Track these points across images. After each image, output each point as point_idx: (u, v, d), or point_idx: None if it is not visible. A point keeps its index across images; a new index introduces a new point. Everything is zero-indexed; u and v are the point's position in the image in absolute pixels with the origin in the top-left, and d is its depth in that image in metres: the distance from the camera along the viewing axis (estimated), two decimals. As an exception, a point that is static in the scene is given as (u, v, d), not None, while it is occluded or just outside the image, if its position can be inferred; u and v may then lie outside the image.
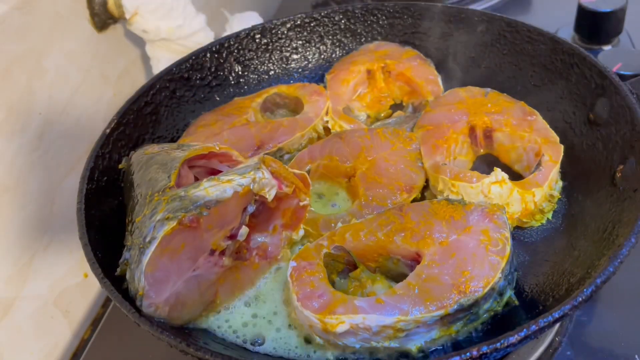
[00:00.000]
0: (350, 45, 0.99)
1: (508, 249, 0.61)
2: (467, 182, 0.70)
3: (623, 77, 0.91)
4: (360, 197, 0.73)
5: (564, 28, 1.14)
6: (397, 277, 0.64)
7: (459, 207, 0.66)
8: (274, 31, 0.96)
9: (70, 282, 0.91)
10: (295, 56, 0.98)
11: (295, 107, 0.90)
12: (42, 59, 0.84)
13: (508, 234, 0.62)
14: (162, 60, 0.93)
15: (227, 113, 0.85)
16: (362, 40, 0.98)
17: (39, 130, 0.83)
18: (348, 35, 0.98)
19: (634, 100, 0.65)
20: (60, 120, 0.87)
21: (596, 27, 1.07)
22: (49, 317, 0.87)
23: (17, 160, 0.80)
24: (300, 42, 0.97)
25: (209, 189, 0.58)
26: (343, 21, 0.97)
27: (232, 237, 0.63)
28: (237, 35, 0.93)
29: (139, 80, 0.85)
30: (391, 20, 0.96)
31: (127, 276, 0.59)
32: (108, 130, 0.76)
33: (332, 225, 0.70)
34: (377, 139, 0.79)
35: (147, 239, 0.56)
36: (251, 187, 0.60)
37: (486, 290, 0.58)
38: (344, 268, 0.66)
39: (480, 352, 0.49)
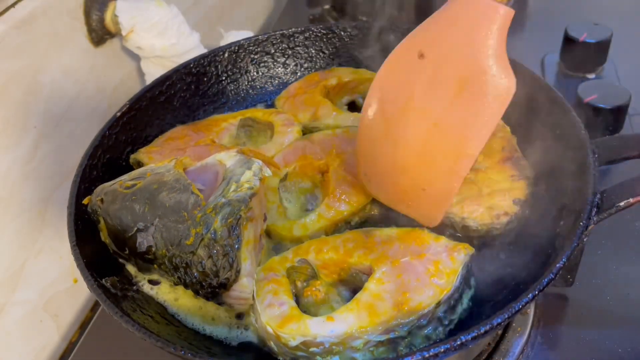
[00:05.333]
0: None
1: (451, 285, 0.63)
2: None
3: (596, 109, 0.94)
4: (329, 194, 0.76)
5: (550, 55, 1.17)
6: (357, 289, 0.66)
7: (427, 237, 0.68)
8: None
9: (59, 288, 0.94)
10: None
11: (270, 128, 0.89)
12: (38, 75, 0.86)
13: (459, 272, 0.64)
14: (155, 76, 0.96)
15: (198, 129, 0.86)
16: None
17: (34, 143, 0.86)
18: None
19: (591, 160, 0.66)
20: (55, 133, 0.90)
21: (580, 56, 1.10)
22: (37, 321, 0.90)
23: (12, 172, 0.83)
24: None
25: (243, 186, 0.62)
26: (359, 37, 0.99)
27: (265, 219, 0.71)
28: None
29: (134, 92, 0.88)
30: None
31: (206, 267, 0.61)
32: (119, 114, 0.82)
33: (304, 227, 0.74)
34: (344, 136, 0.82)
35: (228, 242, 0.59)
36: (265, 174, 0.65)
37: (419, 315, 0.61)
38: (307, 278, 0.70)
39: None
